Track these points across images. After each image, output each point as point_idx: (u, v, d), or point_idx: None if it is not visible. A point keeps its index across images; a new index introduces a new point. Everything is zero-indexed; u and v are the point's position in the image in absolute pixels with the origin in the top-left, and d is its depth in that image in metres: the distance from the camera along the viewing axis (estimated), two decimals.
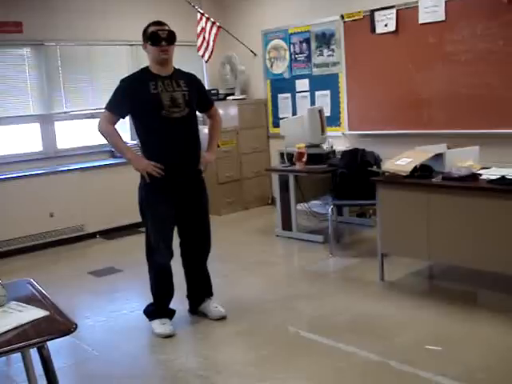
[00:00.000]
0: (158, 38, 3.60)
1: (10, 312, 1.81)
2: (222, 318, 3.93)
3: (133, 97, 3.61)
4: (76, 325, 1.68)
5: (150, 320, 3.87)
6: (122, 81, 3.69)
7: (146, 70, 3.72)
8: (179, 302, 4.00)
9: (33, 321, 1.73)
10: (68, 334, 1.65)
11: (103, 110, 3.70)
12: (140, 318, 4.04)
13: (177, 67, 3.81)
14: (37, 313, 1.79)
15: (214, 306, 4.01)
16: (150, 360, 3.44)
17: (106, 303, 4.52)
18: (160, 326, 3.78)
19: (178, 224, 3.83)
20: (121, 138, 3.72)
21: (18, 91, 6.36)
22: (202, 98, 3.86)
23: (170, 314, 3.89)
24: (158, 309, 3.87)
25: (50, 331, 1.66)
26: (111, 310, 4.35)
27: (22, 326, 1.70)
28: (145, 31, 3.69)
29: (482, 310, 3.80)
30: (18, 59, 6.39)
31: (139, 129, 3.71)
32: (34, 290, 2.06)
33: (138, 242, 5.22)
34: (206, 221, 3.91)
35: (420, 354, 3.19)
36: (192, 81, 3.81)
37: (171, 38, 3.65)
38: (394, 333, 3.51)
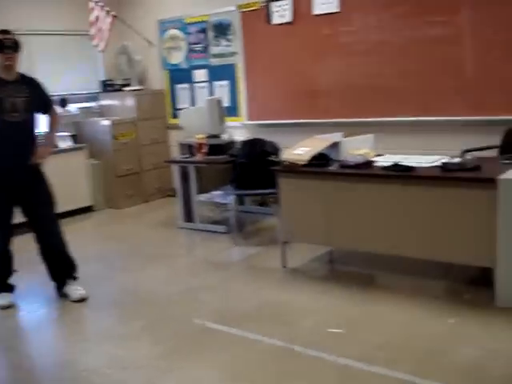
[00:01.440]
0: (3, 45, 3.88)
1: None
2: (83, 300, 4.18)
3: None
4: None
5: None
6: None
7: None
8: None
9: None
10: None
11: None
12: (38, 316, 3.91)
13: (21, 72, 4.11)
14: None
15: (74, 288, 4.26)
16: (51, 360, 3.32)
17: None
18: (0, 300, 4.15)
19: (26, 216, 4.20)
20: None
21: None
22: (43, 102, 4.24)
23: (9, 288, 4.26)
24: None
25: None
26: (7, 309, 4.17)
27: None
28: None
29: (379, 291, 3.96)
30: None
31: None
32: None
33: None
34: (49, 208, 4.24)
35: (323, 338, 3.28)
36: (34, 86, 4.16)
37: (16, 46, 3.95)
38: (298, 318, 3.59)
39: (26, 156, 4.07)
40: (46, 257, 4.28)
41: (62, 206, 6.54)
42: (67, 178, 6.67)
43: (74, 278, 4.32)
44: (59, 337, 3.65)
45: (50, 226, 4.25)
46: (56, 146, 4.50)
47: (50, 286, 4.32)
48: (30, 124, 4.13)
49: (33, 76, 4.28)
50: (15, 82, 4.00)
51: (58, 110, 7.02)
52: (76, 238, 5.95)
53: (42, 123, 4.40)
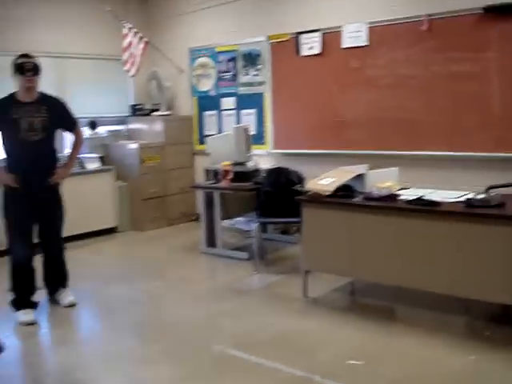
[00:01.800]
0: (24, 69, 4.17)
1: None
2: (72, 305, 4.56)
3: None
4: (4, 345, 1.64)
5: (15, 311, 4.33)
6: None
7: (12, 97, 4.29)
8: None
9: None
10: None
11: None
12: (60, 336, 3.97)
13: (44, 92, 4.40)
14: None
15: (65, 294, 4.62)
16: (74, 378, 3.35)
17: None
18: (22, 315, 4.28)
19: (38, 226, 4.46)
20: None
21: None
22: (65, 121, 4.52)
23: (32, 305, 4.39)
24: (20, 301, 4.36)
25: None
26: (32, 327, 4.23)
27: None
28: (14, 62, 4.23)
29: (400, 324, 3.97)
30: None
31: (4, 145, 4.34)
32: None
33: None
34: (57, 224, 4.54)
35: (342, 369, 3.29)
36: (55, 106, 4.42)
37: (36, 69, 4.23)
38: (318, 348, 3.60)
39: (45, 172, 4.37)
40: (46, 265, 4.62)
41: (86, 226, 6.76)
42: (94, 198, 6.82)
43: (66, 286, 4.68)
44: (78, 355, 3.68)
45: (55, 240, 4.59)
46: (72, 167, 4.91)
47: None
48: (48, 143, 4.38)
49: (55, 96, 4.55)
50: (34, 103, 4.27)
51: (87, 131, 7.25)
52: (99, 258, 6.10)
53: (66, 142, 4.60)
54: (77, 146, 4.67)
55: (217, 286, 5.15)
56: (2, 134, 4.32)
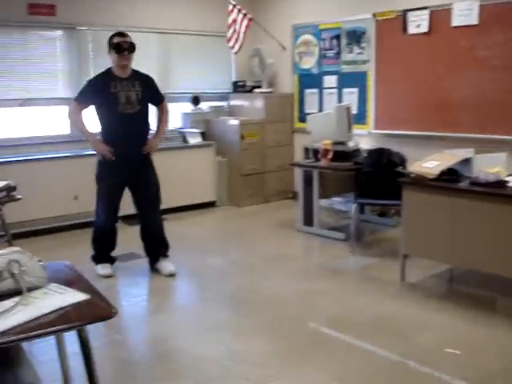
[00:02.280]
0: (121, 48, 4.43)
1: (51, 294, 1.86)
2: (172, 275, 4.74)
3: (96, 94, 4.49)
4: (116, 310, 1.73)
5: (95, 265, 4.76)
6: (89, 81, 4.67)
7: (109, 72, 4.56)
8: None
9: (74, 304, 1.78)
10: (109, 319, 1.70)
11: (73, 101, 4.63)
12: (158, 304, 4.14)
13: (136, 69, 4.67)
14: (78, 296, 1.83)
15: (165, 264, 4.82)
16: (170, 347, 3.48)
17: (128, 288, 4.60)
18: (101, 269, 4.73)
19: (134, 197, 4.76)
20: (85, 125, 4.58)
21: (47, 74, 6.44)
22: (154, 96, 4.75)
23: (110, 260, 4.82)
24: (99, 256, 4.79)
25: (91, 315, 1.71)
26: (132, 295, 4.43)
27: (63, 308, 1.75)
28: (110, 41, 4.51)
29: (501, 316, 3.83)
30: (49, 42, 6.46)
31: (100, 118, 4.59)
32: (72, 273, 2.11)
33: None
34: (154, 193, 4.77)
35: (439, 357, 3.22)
36: (146, 82, 4.68)
37: (132, 48, 4.48)
38: (414, 334, 3.55)
39: (139, 144, 4.63)
40: (145, 235, 4.87)
41: (187, 199, 6.94)
42: (195, 172, 6.98)
43: (166, 256, 4.87)
44: (175, 325, 3.81)
45: (151, 208, 4.80)
46: (161, 139, 5.06)
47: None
48: (143, 116, 4.63)
49: (145, 73, 4.77)
50: (129, 79, 4.54)
51: (190, 106, 7.41)
52: (198, 231, 6.25)
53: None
54: (164, 119, 4.89)
55: (312, 265, 5.17)
56: (100, 108, 4.55)
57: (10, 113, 6.34)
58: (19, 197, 4.20)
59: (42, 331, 1.61)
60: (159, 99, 4.85)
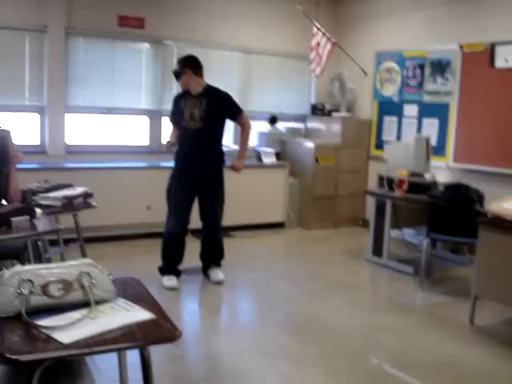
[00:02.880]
0: (177, 76, 4.82)
1: (118, 310, 1.88)
2: (219, 283, 4.94)
3: (174, 110, 4.95)
4: (181, 333, 1.72)
5: (161, 276, 4.87)
6: (174, 98, 5.04)
7: (186, 91, 4.87)
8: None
9: (139, 322, 1.78)
10: (172, 341, 1.70)
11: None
12: (222, 323, 4.13)
13: (212, 86, 4.89)
14: (143, 314, 1.84)
15: (215, 272, 5.04)
16: (230, 367, 3.46)
17: (191, 303, 4.63)
18: (167, 280, 4.81)
19: (200, 210, 4.96)
20: (170, 136, 5.01)
21: (132, 84, 6.63)
22: (226, 111, 4.87)
23: (176, 272, 4.91)
24: (166, 268, 4.91)
25: (155, 335, 1.71)
26: (196, 311, 4.45)
27: (128, 325, 1.76)
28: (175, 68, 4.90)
29: None
30: (136, 54, 6.65)
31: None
32: (139, 289, 2.13)
33: (230, 246, 5.33)
34: (215, 206, 4.95)
35: None
36: (215, 97, 4.82)
37: (177, 75, 4.83)
38: (479, 382, 3.39)
39: (203, 159, 4.82)
40: (204, 242, 5.12)
41: (256, 218, 6.95)
42: (266, 192, 6.99)
43: (219, 265, 5.09)
44: (234, 346, 3.78)
45: (212, 222, 5.00)
46: (245, 156, 5.21)
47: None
48: (208, 132, 4.80)
49: (219, 89, 4.91)
50: (197, 96, 4.79)
51: (267, 126, 7.44)
52: (266, 251, 6.24)
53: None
54: (242, 136, 5.04)
55: (378, 298, 5.06)
56: (177, 124, 4.95)
57: (94, 120, 6.54)
58: (95, 204, 4.31)
59: (106, 348, 1.62)
60: (235, 113, 4.93)
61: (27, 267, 1.88)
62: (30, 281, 1.82)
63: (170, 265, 4.93)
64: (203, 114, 4.73)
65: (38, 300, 1.82)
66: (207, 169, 4.87)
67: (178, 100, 4.94)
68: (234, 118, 4.97)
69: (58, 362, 1.72)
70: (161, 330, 1.75)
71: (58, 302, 1.85)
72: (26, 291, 1.80)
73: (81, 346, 1.62)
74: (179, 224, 4.89)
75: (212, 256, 5.11)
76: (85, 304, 1.86)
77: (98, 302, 1.90)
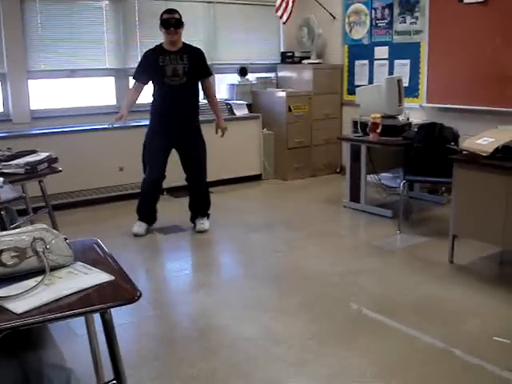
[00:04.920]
0: (168, 23, 4.73)
1: (75, 274, 1.79)
2: (203, 232, 5.08)
3: (147, 68, 4.86)
4: (140, 293, 1.65)
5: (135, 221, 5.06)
6: (141, 58, 4.99)
7: (159, 47, 4.88)
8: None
9: (97, 285, 1.71)
10: (131, 303, 1.62)
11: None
12: (200, 279, 4.09)
13: (187, 43, 4.95)
14: (102, 277, 1.76)
15: (200, 221, 5.16)
16: (208, 323, 3.42)
17: (167, 261, 4.57)
18: (136, 227, 5.03)
19: (180, 157, 5.05)
20: (127, 101, 5.08)
21: (94, 44, 6.40)
22: (201, 69, 4.96)
23: (148, 220, 5.11)
24: (140, 213, 5.10)
25: (113, 298, 1.63)
26: (172, 268, 4.39)
27: (85, 289, 1.68)
28: (160, 17, 4.79)
29: None
30: (96, 11, 6.39)
31: (153, 90, 4.95)
32: (99, 251, 2.04)
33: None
34: (199, 157, 5.05)
35: (487, 345, 3.06)
36: (195, 55, 4.91)
37: (178, 24, 4.77)
38: (461, 319, 3.39)
39: (186, 110, 4.92)
40: (190, 193, 5.22)
41: (233, 172, 6.88)
42: (241, 145, 6.89)
43: (205, 215, 5.21)
44: (215, 301, 3.74)
45: (199, 170, 5.09)
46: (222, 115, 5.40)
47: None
48: (189, 87, 4.90)
49: (196, 46, 5.02)
50: (177, 52, 4.81)
51: (237, 78, 7.29)
52: (244, 204, 6.18)
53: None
54: (213, 103, 5.18)
55: (358, 243, 5.03)
56: (152, 81, 4.91)
57: (58, 83, 6.34)
58: (60, 169, 4.20)
59: (61, 314, 1.54)
60: (208, 73, 5.06)
61: None
62: None
63: (144, 212, 5.10)
64: (187, 69, 4.81)
65: None
66: (190, 122, 4.97)
67: (153, 57, 4.84)
68: (204, 77, 5.03)
69: (16, 332, 1.64)
70: (120, 292, 1.67)
71: (11, 271, 1.76)
72: None
73: (35, 315, 1.54)
74: (156, 173, 4.99)
75: (198, 206, 5.21)
76: (41, 271, 1.77)
77: (55, 268, 1.80)
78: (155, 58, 4.81)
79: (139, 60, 5.06)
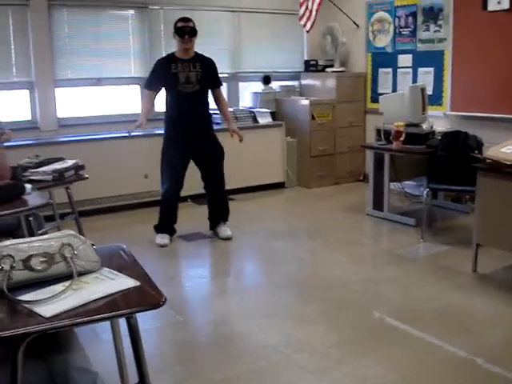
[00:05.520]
0: (183, 32, 4.77)
1: (102, 279, 1.84)
2: (228, 239, 5.09)
3: (160, 76, 4.88)
4: (165, 299, 1.69)
5: (156, 234, 5.05)
6: (153, 66, 5.00)
7: (171, 55, 4.96)
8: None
9: (123, 290, 1.75)
10: (156, 308, 1.66)
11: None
12: (222, 286, 4.12)
13: (200, 52, 5.01)
14: (128, 282, 1.80)
15: (224, 228, 5.17)
16: (231, 330, 3.45)
17: (191, 268, 4.61)
18: (159, 238, 5.00)
19: (197, 166, 5.09)
20: (144, 109, 5.07)
21: (120, 53, 6.50)
22: (213, 79, 5.02)
23: (170, 231, 5.10)
24: (161, 226, 5.07)
25: (139, 303, 1.68)
26: (196, 275, 4.43)
27: (112, 294, 1.73)
28: (174, 25, 4.84)
29: None
30: (122, 21, 6.50)
31: (166, 98, 4.96)
32: (126, 257, 2.09)
33: (231, 209, 5.31)
34: (218, 164, 5.08)
35: (509, 355, 3.05)
36: (208, 64, 4.98)
37: (193, 32, 4.81)
38: (483, 329, 3.37)
39: (199, 117, 4.97)
40: (211, 201, 5.22)
41: (256, 180, 6.91)
42: (264, 153, 6.93)
43: (226, 220, 5.23)
44: (237, 308, 3.77)
45: (216, 180, 5.12)
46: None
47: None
48: (202, 95, 4.96)
49: (208, 56, 5.06)
50: (190, 60, 4.88)
51: (261, 86, 7.34)
52: (266, 212, 6.21)
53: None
54: (224, 108, 5.20)
55: (380, 251, 5.03)
56: (165, 88, 4.93)
57: (84, 92, 6.45)
58: (86, 176, 4.28)
59: (88, 319, 1.59)
60: (219, 82, 5.12)
61: (7, 242, 1.84)
62: (10, 256, 1.79)
63: (165, 224, 5.09)
64: (200, 77, 4.87)
65: (19, 275, 1.78)
66: (206, 129, 5.03)
67: (165, 65, 4.89)
68: (215, 87, 5.09)
69: (44, 336, 1.69)
70: (145, 298, 1.71)
71: (40, 276, 1.82)
72: (6, 266, 1.77)
73: (62, 319, 1.59)
74: (177, 185, 5.02)
75: (220, 213, 5.23)
76: (69, 276, 1.82)
77: (82, 273, 1.86)
78: (168, 66, 4.85)
79: (151, 69, 5.09)
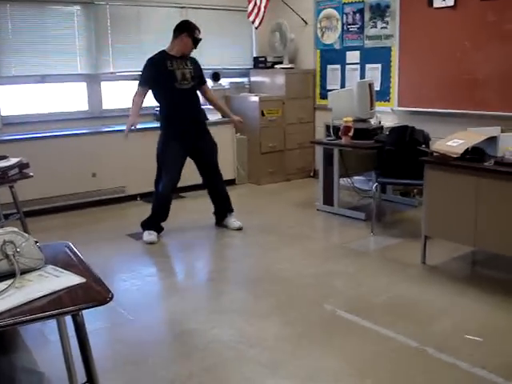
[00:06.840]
0: (198, 42, 5.02)
1: (46, 277, 1.78)
2: (240, 229, 5.24)
3: (155, 72, 4.92)
4: (112, 295, 1.64)
5: (143, 230, 5.05)
6: (147, 62, 4.99)
7: (163, 53, 4.99)
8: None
9: (68, 287, 1.69)
10: (103, 304, 1.61)
11: (138, 86, 5.01)
12: (174, 284, 4.07)
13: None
14: (73, 279, 1.75)
15: (232, 220, 5.33)
16: (183, 328, 3.41)
17: (142, 267, 4.53)
18: (147, 235, 4.99)
19: (196, 163, 5.19)
20: (136, 107, 5.00)
21: (65, 50, 6.35)
22: (200, 76, 5.22)
23: (158, 229, 5.09)
24: (151, 222, 5.07)
25: (85, 299, 1.62)
26: (147, 273, 4.36)
27: (56, 292, 1.67)
28: (190, 31, 4.96)
29: None
30: (67, 17, 6.35)
31: (159, 95, 5.03)
32: (71, 254, 2.03)
33: (178, 207, 5.25)
34: (216, 158, 5.25)
35: (459, 343, 3.10)
36: (195, 62, 5.14)
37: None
38: (433, 319, 3.43)
39: (197, 116, 5.13)
40: (212, 196, 5.36)
41: None
42: None
43: (232, 210, 5.39)
44: (189, 306, 3.73)
45: (217, 171, 5.29)
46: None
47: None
48: (195, 92, 5.12)
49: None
50: (181, 58, 5.00)
51: (210, 83, 7.28)
52: None
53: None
54: (216, 101, 5.50)
55: (331, 245, 5.05)
56: (158, 85, 4.97)
57: (28, 89, 6.28)
58: (31, 174, 4.15)
59: (32, 317, 1.53)
60: (205, 79, 5.33)
61: None
62: None
63: (156, 220, 5.10)
64: (193, 74, 5.04)
65: None
66: (203, 124, 5.22)
67: (161, 62, 4.93)
68: (203, 84, 5.28)
69: None
70: (91, 294, 1.66)
71: None
72: None
73: (5, 318, 1.52)
74: (175, 182, 5.07)
75: (225, 206, 5.38)
76: (11, 274, 1.75)
77: (25, 271, 1.79)
78: (163, 63, 4.91)
79: (144, 66, 4.99)
